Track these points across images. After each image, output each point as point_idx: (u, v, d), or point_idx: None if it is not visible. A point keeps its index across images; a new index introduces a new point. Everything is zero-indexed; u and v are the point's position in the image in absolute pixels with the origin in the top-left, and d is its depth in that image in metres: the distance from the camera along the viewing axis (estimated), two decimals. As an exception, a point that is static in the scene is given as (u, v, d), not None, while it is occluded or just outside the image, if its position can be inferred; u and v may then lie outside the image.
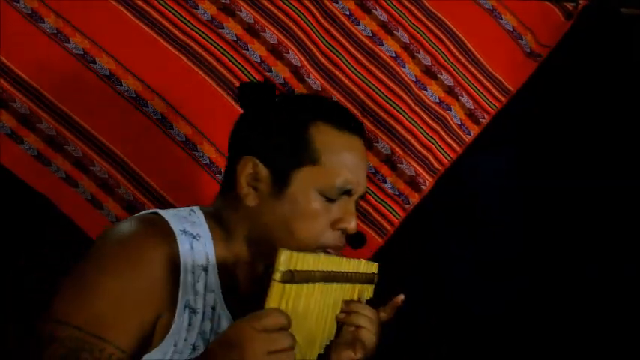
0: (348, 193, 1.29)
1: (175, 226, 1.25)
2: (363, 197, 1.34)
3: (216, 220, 1.31)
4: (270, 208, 1.27)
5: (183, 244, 1.24)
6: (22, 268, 1.69)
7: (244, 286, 1.32)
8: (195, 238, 1.27)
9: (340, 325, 1.27)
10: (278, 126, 1.29)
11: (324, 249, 1.28)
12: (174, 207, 1.75)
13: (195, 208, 1.33)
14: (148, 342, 1.21)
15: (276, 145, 1.28)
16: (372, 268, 1.33)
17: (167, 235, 1.24)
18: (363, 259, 1.30)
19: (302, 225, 1.26)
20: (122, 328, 1.17)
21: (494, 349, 1.95)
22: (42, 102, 1.73)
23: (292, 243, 1.25)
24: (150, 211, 1.32)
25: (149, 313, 1.20)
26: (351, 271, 1.26)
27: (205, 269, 1.27)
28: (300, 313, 1.15)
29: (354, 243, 1.34)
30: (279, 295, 1.09)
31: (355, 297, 1.29)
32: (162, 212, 1.29)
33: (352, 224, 1.28)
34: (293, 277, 1.10)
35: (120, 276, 1.18)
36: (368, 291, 1.32)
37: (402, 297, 1.34)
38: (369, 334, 1.26)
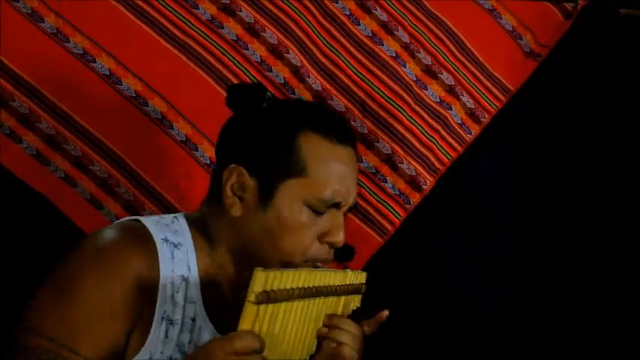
0: (336, 205, 1.24)
1: (156, 235, 1.23)
2: (353, 208, 1.30)
3: (201, 228, 1.28)
4: (255, 219, 1.23)
5: (164, 254, 1.22)
6: (22, 268, 1.69)
7: (228, 297, 1.29)
8: (176, 247, 1.24)
9: (321, 338, 1.22)
10: (265, 134, 1.25)
11: (313, 262, 1.25)
12: (174, 207, 1.77)
13: (179, 215, 1.30)
14: (122, 354, 1.19)
15: (263, 154, 1.24)
16: (360, 278, 1.29)
17: (147, 243, 1.21)
18: (349, 270, 1.27)
19: (287, 238, 1.22)
20: (95, 340, 1.14)
21: (494, 349, 1.95)
22: (41, 101, 1.72)
23: (277, 256, 1.23)
24: (132, 217, 1.29)
25: (124, 325, 1.18)
26: (336, 284, 1.22)
27: (186, 280, 1.24)
28: (276, 334, 1.11)
29: (341, 257, 1.30)
30: (253, 317, 1.05)
31: (340, 309, 1.25)
32: (143, 219, 1.25)
33: (339, 237, 1.24)
34: (269, 297, 1.06)
35: (95, 286, 1.15)
36: (354, 301, 1.29)
37: (386, 313, 1.29)
38: (350, 351, 1.21)
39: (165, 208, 1.77)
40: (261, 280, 1.05)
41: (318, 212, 1.23)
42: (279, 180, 1.23)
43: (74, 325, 1.14)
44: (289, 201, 1.22)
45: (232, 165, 1.24)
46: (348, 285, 1.25)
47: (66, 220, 1.74)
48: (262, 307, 1.06)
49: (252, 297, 1.04)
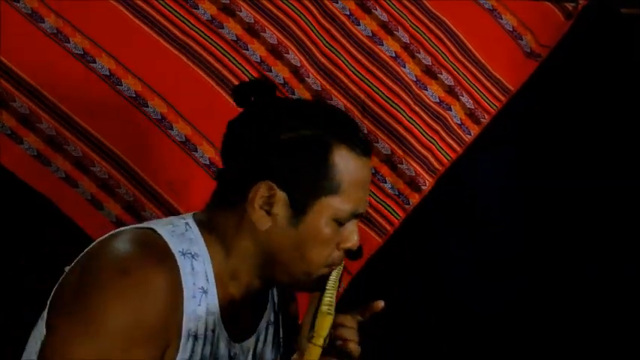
0: (359, 216, 1.27)
1: (174, 247, 1.19)
2: None
3: (213, 233, 1.26)
4: (284, 233, 1.23)
5: (184, 267, 1.19)
6: (22, 268, 1.69)
7: (239, 303, 1.28)
8: (194, 258, 1.21)
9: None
10: (298, 149, 1.22)
11: (330, 268, 1.26)
12: (174, 207, 1.77)
13: (189, 220, 1.27)
14: None
15: (297, 171, 1.22)
16: (341, 265, 1.31)
17: (167, 258, 1.17)
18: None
19: (314, 250, 1.23)
20: None
21: (494, 349, 1.95)
22: (42, 102, 1.72)
23: (303, 267, 1.24)
24: (145, 225, 1.25)
25: (158, 349, 1.15)
26: (338, 283, 1.25)
27: (205, 291, 1.22)
28: None
29: (352, 256, 1.31)
30: (318, 356, 1.08)
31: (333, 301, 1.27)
32: (158, 229, 1.21)
33: (356, 242, 1.26)
34: (330, 334, 1.08)
35: (127, 312, 1.11)
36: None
37: (382, 304, 1.29)
38: (354, 346, 1.23)
39: (165, 208, 1.77)
40: (330, 323, 1.08)
41: (341, 224, 1.24)
42: (312, 197, 1.22)
43: (110, 356, 1.09)
44: (320, 217, 1.22)
45: (261, 181, 1.22)
46: (341, 277, 1.29)
47: (66, 220, 1.74)
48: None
49: (320, 341, 1.08)
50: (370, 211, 1.92)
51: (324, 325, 1.07)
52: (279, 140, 1.23)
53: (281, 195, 1.22)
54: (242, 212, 1.23)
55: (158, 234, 1.20)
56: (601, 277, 1.93)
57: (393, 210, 1.94)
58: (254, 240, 1.24)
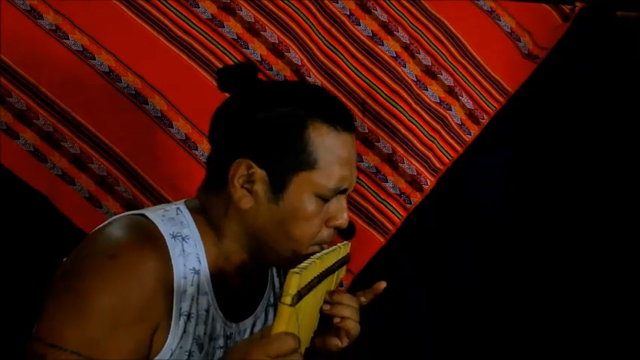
0: (343, 191, 1.28)
1: (165, 230, 1.22)
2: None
3: (204, 217, 1.28)
4: (266, 211, 1.24)
5: (174, 249, 1.21)
6: (22, 268, 1.67)
7: (236, 285, 1.30)
8: (185, 240, 1.24)
9: (324, 315, 1.25)
10: (274, 126, 1.25)
11: (320, 246, 1.27)
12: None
13: (181, 206, 1.29)
14: (147, 355, 1.19)
15: (273, 147, 1.24)
16: (347, 249, 1.32)
17: (157, 241, 1.20)
18: (340, 244, 1.30)
19: (298, 227, 1.24)
20: (120, 348, 1.13)
21: (493, 348, 1.96)
22: (39, 98, 1.71)
23: (288, 245, 1.25)
24: (136, 212, 1.28)
25: (146, 329, 1.17)
26: (334, 262, 1.25)
27: (197, 272, 1.24)
28: (299, 324, 1.12)
29: (345, 235, 1.33)
30: (288, 318, 1.06)
31: (334, 284, 1.28)
32: (149, 214, 1.24)
33: (345, 220, 1.28)
34: (300, 296, 1.07)
35: (114, 294, 1.13)
36: (342, 272, 1.33)
37: (384, 284, 1.32)
38: (353, 324, 1.24)
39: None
40: (297, 282, 1.06)
41: (325, 200, 1.25)
42: (290, 173, 1.23)
43: (98, 336, 1.12)
44: (301, 193, 1.23)
45: (240, 159, 1.24)
46: (340, 259, 1.29)
47: (66, 220, 1.73)
48: (297, 306, 1.08)
49: (288, 299, 1.05)
50: (372, 210, 1.93)
51: (291, 283, 1.05)
52: (256, 118, 1.25)
53: (260, 173, 1.24)
54: (228, 194, 1.25)
55: (148, 219, 1.23)
56: (601, 278, 1.94)
57: (395, 209, 1.94)
58: (241, 220, 1.26)
